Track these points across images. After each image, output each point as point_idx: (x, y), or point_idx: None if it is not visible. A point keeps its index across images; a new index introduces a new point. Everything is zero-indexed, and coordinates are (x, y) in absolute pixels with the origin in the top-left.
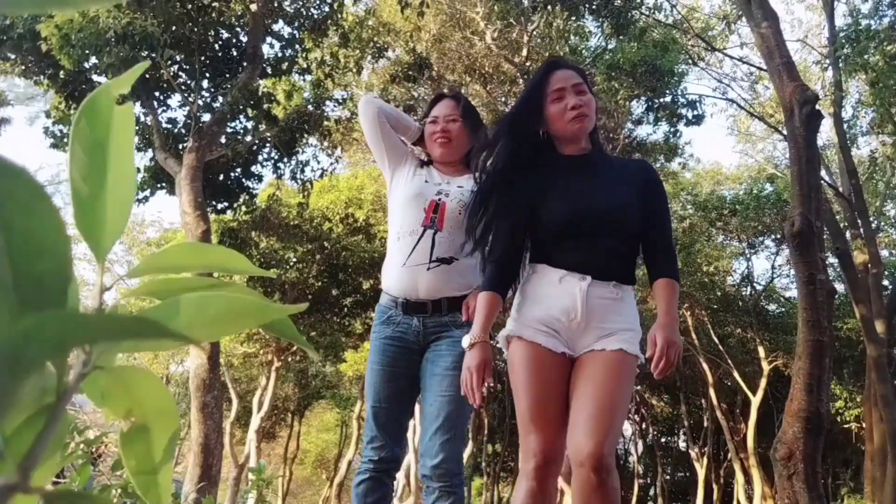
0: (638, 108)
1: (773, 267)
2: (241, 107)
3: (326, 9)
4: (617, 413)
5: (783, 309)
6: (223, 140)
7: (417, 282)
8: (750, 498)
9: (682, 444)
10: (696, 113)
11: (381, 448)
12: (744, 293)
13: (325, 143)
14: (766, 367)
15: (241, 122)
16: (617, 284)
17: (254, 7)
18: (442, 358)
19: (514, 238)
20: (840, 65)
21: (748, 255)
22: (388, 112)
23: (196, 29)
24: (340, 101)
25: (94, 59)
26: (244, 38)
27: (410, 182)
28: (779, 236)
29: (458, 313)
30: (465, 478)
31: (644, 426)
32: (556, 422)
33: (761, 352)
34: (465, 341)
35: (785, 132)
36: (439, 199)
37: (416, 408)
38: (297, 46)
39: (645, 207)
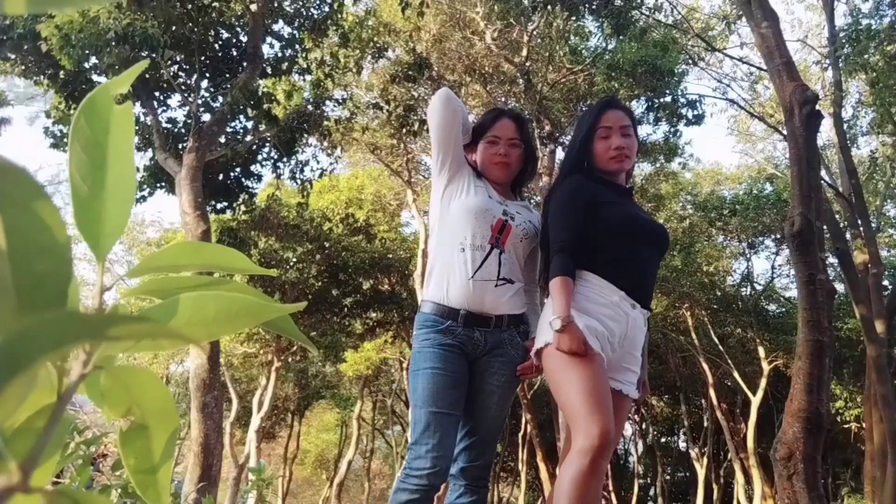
0: (638, 108)
1: (773, 267)
2: (241, 107)
3: (326, 9)
4: None
5: (783, 309)
6: (223, 140)
7: (485, 296)
8: (750, 498)
9: (682, 444)
10: (696, 113)
11: (440, 458)
12: (744, 293)
13: (325, 143)
14: (766, 367)
15: (241, 122)
16: (647, 314)
17: (254, 7)
18: (494, 375)
19: (579, 232)
20: (840, 65)
21: (748, 255)
22: (463, 113)
23: (196, 29)
24: (340, 101)
25: (94, 60)
26: (244, 38)
27: (473, 194)
28: (779, 236)
29: (514, 330)
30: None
31: (644, 426)
32: (610, 410)
33: (761, 352)
34: (556, 324)
35: (785, 132)
36: (506, 221)
37: None
38: (297, 46)
39: None
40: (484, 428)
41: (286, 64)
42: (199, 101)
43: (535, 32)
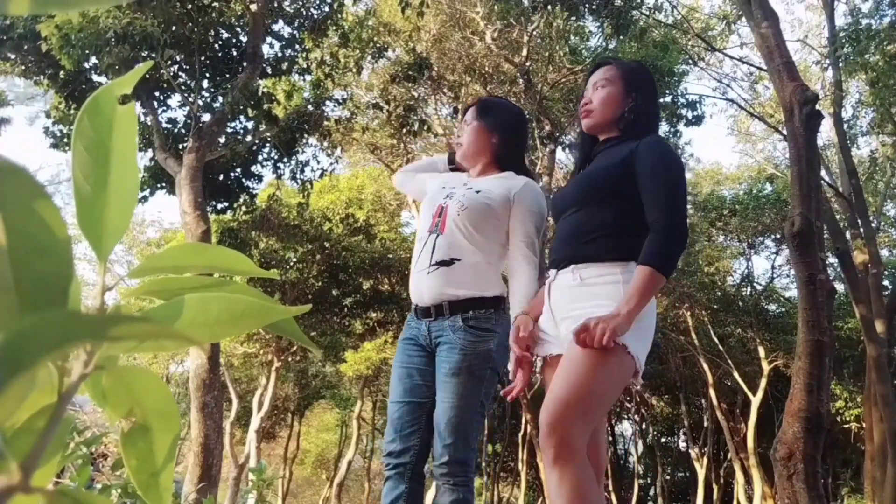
0: None
1: (773, 267)
2: (241, 107)
3: (326, 9)
4: (563, 400)
5: (783, 309)
6: (223, 140)
7: (421, 287)
8: (750, 498)
9: (682, 444)
10: (696, 113)
11: (391, 442)
12: (744, 293)
13: (325, 143)
14: (766, 367)
15: (241, 122)
16: (576, 268)
17: (254, 7)
18: (442, 364)
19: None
20: (840, 65)
21: (748, 255)
22: (411, 171)
23: (196, 29)
24: (340, 101)
25: (94, 59)
26: (244, 38)
27: (429, 190)
28: (779, 236)
29: (459, 316)
30: (471, 480)
31: (644, 426)
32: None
33: (761, 352)
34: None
35: (785, 132)
36: (444, 203)
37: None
38: (297, 46)
39: (633, 180)
40: (442, 421)
41: (286, 64)
42: (200, 102)
43: (535, 32)
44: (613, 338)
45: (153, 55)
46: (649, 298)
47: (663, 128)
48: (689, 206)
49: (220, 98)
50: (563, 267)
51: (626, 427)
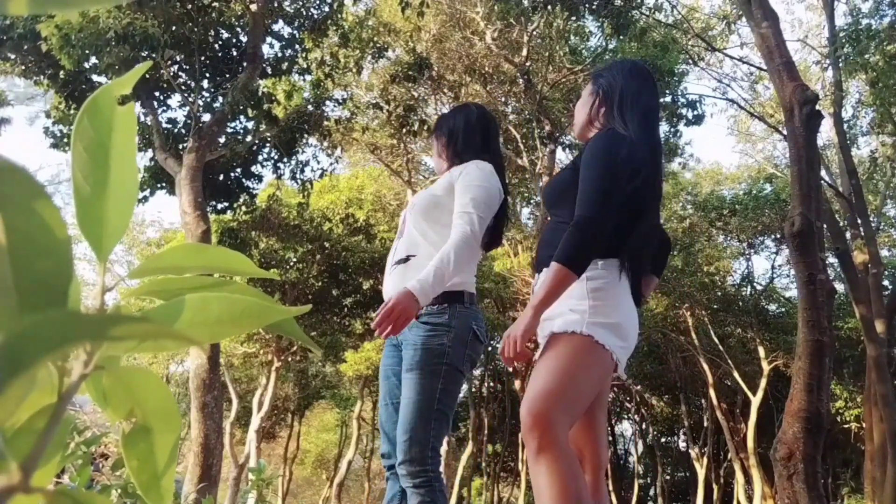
0: None
1: (773, 267)
2: (241, 107)
3: (326, 9)
4: (541, 393)
5: (783, 309)
6: (223, 140)
7: (387, 287)
8: (750, 498)
9: (682, 444)
10: (696, 113)
11: (383, 445)
12: (744, 293)
13: (325, 143)
14: (766, 367)
15: (241, 123)
16: (546, 271)
17: (254, 7)
18: (403, 362)
19: None
20: (840, 65)
21: (748, 255)
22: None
23: (196, 29)
24: (340, 101)
25: (94, 60)
26: (244, 38)
27: None
28: (779, 236)
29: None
30: (435, 480)
31: (644, 426)
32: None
33: (761, 352)
34: None
35: (785, 132)
36: (407, 210)
37: None
38: (297, 46)
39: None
40: (399, 419)
41: (286, 64)
42: (199, 101)
43: (535, 32)
44: (524, 341)
45: (153, 55)
46: (558, 293)
47: (663, 127)
48: (689, 206)
49: (220, 98)
50: (540, 270)
51: (626, 427)
